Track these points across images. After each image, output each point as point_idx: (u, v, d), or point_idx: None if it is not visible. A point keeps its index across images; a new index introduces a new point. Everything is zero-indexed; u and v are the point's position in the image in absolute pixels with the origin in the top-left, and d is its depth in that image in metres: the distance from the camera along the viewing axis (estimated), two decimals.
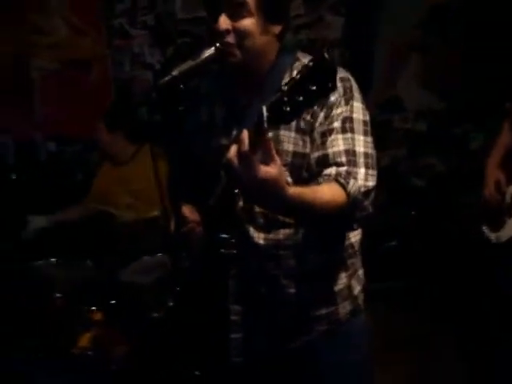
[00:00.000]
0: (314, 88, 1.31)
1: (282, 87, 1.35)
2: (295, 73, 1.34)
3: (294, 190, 1.52)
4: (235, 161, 1.41)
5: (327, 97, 1.39)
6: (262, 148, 1.40)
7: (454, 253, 4.07)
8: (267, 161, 1.40)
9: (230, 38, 1.71)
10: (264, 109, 1.35)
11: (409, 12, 4.45)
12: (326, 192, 1.62)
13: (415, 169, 4.73)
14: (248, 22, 1.70)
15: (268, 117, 1.34)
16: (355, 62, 4.28)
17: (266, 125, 1.34)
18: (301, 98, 1.32)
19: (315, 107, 1.71)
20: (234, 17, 1.70)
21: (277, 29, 1.76)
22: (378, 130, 1.79)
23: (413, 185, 4.74)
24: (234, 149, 1.43)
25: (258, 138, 1.38)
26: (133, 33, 4.86)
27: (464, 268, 3.92)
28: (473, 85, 4.34)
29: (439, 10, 4.41)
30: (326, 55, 1.32)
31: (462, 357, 3.59)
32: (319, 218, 1.67)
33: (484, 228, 3.09)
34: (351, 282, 1.93)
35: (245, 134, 1.40)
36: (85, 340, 2.89)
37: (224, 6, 1.70)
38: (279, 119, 1.36)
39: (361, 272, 2.00)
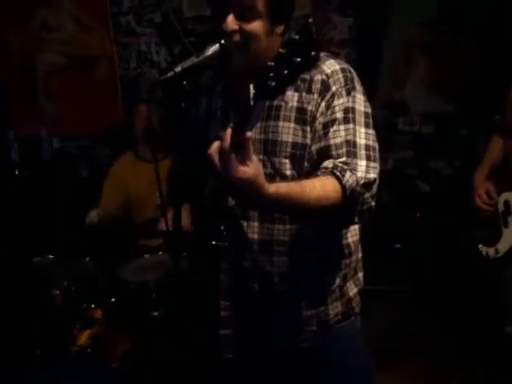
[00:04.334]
0: (299, 60, 1.35)
1: (269, 63, 1.38)
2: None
3: (275, 189, 1.52)
4: (216, 158, 1.43)
5: (310, 69, 1.45)
6: (241, 147, 1.41)
7: (458, 256, 4.04)
8: (245, 160, 1.41)
9: (236, 39, 1.70)
10: (251, 86, 1.37)
11: (417, 13, 4.42)
12: (317, 186, 1.60)
13: (421, 172, 4.71)
14: (256, 25, 1.70)
15: (254, 94, 1.36)
16: (362, 63, 4.26)
17: (252, 102, 1.36)
18: (285, 72, 1.36)
19: (316, 95, 1.71)
20: (242, 18, 1.69)
21: (280, 29, 1.76)
22: (383, 132, 1.78)
23: (418, 188, 4.72)
24: (215, 146, 1.44)
25: (238, 137, 1.39)
26: (139, 31, 4.87)
27: (468, 272, 3.90)
28: (481, 88, 4.31)
29: (449, 11, 4.38)
30: (311, 27, 1.35)
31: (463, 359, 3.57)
32: (312, 213, 1.65)
33: (480, 246, 3.07)
34: (346, 283, 1.91)
35: (228, 132, 1.41)
36: (84, 338, 2.88)
37: (232, 6, 1.69)
38: (265, 94, 1.38)
39: (360, 275, 1.97)
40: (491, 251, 3.02)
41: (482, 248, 3.06)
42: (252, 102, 1.37)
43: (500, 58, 4.16)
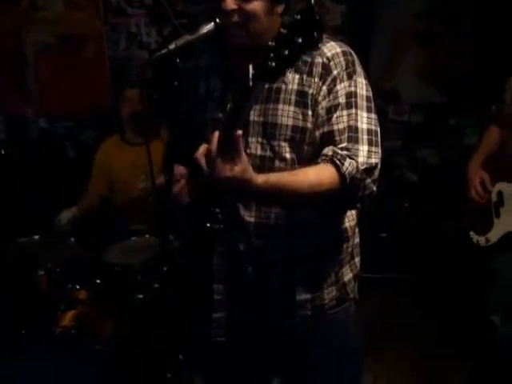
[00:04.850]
0: (300, 40, 1.33)
1: (269, 43, 1.36)
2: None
3: (265, 180, 1.54)
4: (202, 160, 1.48)
5: (311, 50, 1.42)
6: (231, 144, 1.43)
7: (444, 246, 4.06)
8: (234, 157, 1.44)
9: (235, 18, 1.68)
10: (250, 67, 1.36)
11: (411, 2, 4.41)
12: (311, 175, 1.61)
13: (409, 161, 4.72)
14: (255, 4, 1.67)
15: (253, 74, 1.36)
16: (354, 50, 4.23)
17: (251, 82, 1.36)
18: (286, 52, 1.34)
19: (317, 79, 1.70)
20: None
21: (280, 8, 1.73)
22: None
23: (406, 177, 4.73)
24: (202, 148, 1.49)
25: (229, 134, 1.41)
26: (130, 11, 4.81)
27: (455, 261, 3.92)
28: (471, 79, 4.32)
29: (443, 1, 4.37)
30: (313, 7, 1.32)
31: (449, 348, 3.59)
32: (306, 201, 1.66)
33: (471, 234, 3.08)
34: (342, 268, 1.90)
35: (215, 135, 1.45)
36: (68, 318, 2.85)
37: None
38: (265, 75, 1.37)
39: (357, 260, 1.97)
40: (482, 239, 3.02)
41: (473, 236, 3.07)
42: (251, 83, 1.36)
43: (492, 50, 4.15)
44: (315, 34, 1.33)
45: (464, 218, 3.15)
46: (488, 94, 3.13)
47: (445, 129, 4.62)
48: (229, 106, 1.42)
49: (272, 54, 1.35)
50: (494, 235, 2.98)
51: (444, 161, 4.63)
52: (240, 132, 1.42)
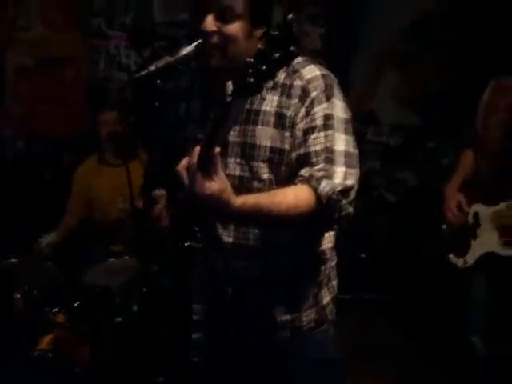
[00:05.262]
0: (277, 55, 1.36)
1: (247, 60, 1.38)
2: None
3: (243, 201, 1.54)
4: (184, 174, 1.50)
5: (288, 64, 1.48)
6: (209, 162, 1.44)
7: (423, 267, 4.08)
8: (212, 175, 1.45)
9: (215, 40, 1.69)
10: (229, 83, 1.38)
11: (388, 25, 4.47)
12: (289, 196, 1.61)
13: (388, 183, 4.75)
14: (235, 27, 1.68)
15: (232, 90, 1.38)
16: (333, 73, 4.27)
17: (229, 98, 1.38)
18: (264, 68, 1.37)
19: (296, 101, 1.71)
20: (222, 19, 1.68)
21: (259, 32, 1.74)
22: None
23: (385, 198, 4.76)
24: (183, 162, 1.51)
25: (208, 150, 1.43)
26: (110, 34, 4.82)
27: (434, 282, 3.94)
28: (449, 102, 4.37)
29: (419, 22, 4.44)
30: (290, 23, 1.35)
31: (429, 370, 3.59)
32: (283, 223, 1.66)
33: (450, 256, 3.10)
34: (321, 290, 1.90)
35: (196, 149, 1.46)
36: (45, 342, 2.81)
37: (212, 7, 1.68)
38: (243, 91, 1.40)
39: (334, 282, 1.96)
40: (460, 261, 3.05)
41: (452, 258, 3.09)
42: (229, 99, 1.37)
43: (470, 72, 4.21)
44: (292, 49, 1.36)
45: (442, 240, 3.17)
46: (464, 115, 3.18)
47: (423, 151, 4.67)
48: (209, 123, 1.43)
49: (250, 70, 1.37)
50: (471, 257, 3.00)
51: (422, 182, 4.67)
52: (218, 149, 1.43)
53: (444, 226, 3.14)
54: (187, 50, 1.69)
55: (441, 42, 4.42)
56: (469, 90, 3.21)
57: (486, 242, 2.97)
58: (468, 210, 3.03)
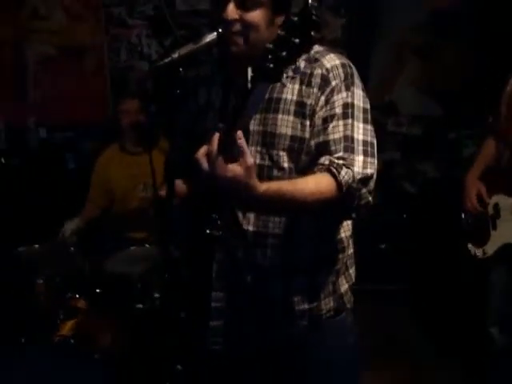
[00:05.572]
0: (297, 41, 1.36)
1: (267, 45, 1.39)
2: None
3: (267, 187, 1.54)
4: (203, 161, 1.48)
5: (308, 50, 1.46)
6: (233, 145, 1.43)
7: (443, 258, 4.07)
8: (238, 158, 1.44)
9: (236, 28, 1.69)
10: (249, 69, 1.39)
11: (409, 15, 4.44)
12: (310, 184, 1.61)
13: (408, 173, 4.73)
14: (256, 14, 1.69)
15: (252, 76, 1.38)
16: (353, 63, 4.26)
17: (249, 84, 1.38)
18: (284, 54, 1.37)
19: (316, 90, 1.71)
20: (243, 7, 1.68)
21: (280, 19, 1.74)
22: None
23: (405, 189, 4.74)
24: (203, 150, 1.49)
25: (230, 134, 1.42)
26: (131, 22, 4.84)
27: (453, 273, 3.92)
28: (470, 92, 4.34)
29: (441, 14, 4.40)
30: (310, 9, 1.35)
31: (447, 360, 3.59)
32: (306, 210, 1.67)
33: (469, 246, 3.09)
34: (338, 278, 1.90)
35: (216, 135, 1.46)
36: (67, 328, 2.84)
37: None
38: (263, 77, 1.40)
39: (352, 270, 1.96)
40: (479, 252, 3.03)
41: (471, 248, 3.07)
42: (250, 85, 1.37)
43: (492, 63, 4.18)
44: (312, 34, 1.36)
45: (461, 231, 3.16)
46: (486, 106, 3.15)
47: (444, 141, 4.64)
48: (229, 109, 1.44)
49: (270, 56, 1.37)
50: (491, 247, 2.99)
51: (443, 174, 4.65)
52: (240, 133, 1.43)
53: (463, 215, 3.12)
54: (210, 37, 1.68)
55: (463, 33, 4.39)
56: (491, 81, 3.19)
57: (507, 233, 2.95)
58: (488, 201, 3.01)
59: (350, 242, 1.94)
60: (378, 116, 4.51)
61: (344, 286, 1.93)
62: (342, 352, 1.96)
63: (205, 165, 1.48)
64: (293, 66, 1.71)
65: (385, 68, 4.62)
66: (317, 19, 1.35)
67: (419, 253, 4.31)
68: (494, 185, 3.00)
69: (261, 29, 1.70)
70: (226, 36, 1.69)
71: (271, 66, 1.37)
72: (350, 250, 1.95)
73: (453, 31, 4.42)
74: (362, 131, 1.71)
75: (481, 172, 3.07)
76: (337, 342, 1.94)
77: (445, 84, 4.52)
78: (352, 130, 1.69)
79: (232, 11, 1.68)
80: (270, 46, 1.37)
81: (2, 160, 4.36)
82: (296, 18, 1.36)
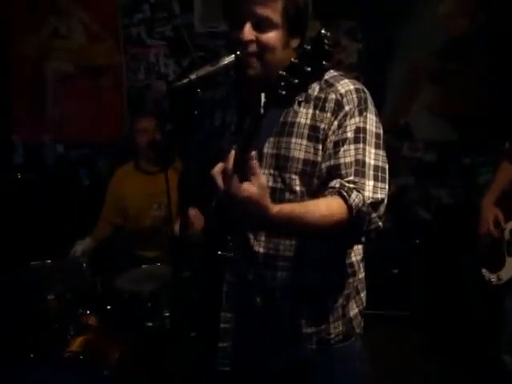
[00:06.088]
0: (309, 69, 1.39)
1: (280, 72, 1.41)
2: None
3: (279, 209, 1.54)
4: (219, 178, 1.49)
5: (320, 78, 1.51)
6: (246, 166, 1.45)
7: (456, 284, 4.04)
8: (250, 178, 1.45)
9: (252, 49, 1.71)
10: (262, 95, 1.41)
11: (425, 40, 4.45)
12: (322, 207, 1.61)
13: (422, 199, 4.71)
14: (272, 36, 1.71)
15: (265, 102, 1.41)
16: (369, 87, 4.27)
17: (262, 110, 1.41)
18: (296, 81, 1.40)
19: (329, 114, 1.73)
20: (259, 28, 1.71)
21: (296, 42, 1.77)
22: (387, 156, 1.78)
23: (419, 215, 4.72)
24: (218, 167, 1.50)
25: (244, 155, 1.44)
26: (149, 42, 4.90)
27: (466, 300, 3.89)
28: (486, 118, 4.33)
29: (456, 39, 4.42)
30: (323, 38, 1.38)
31: None
32: (316, 234, 1.66)
33: (483, 271, 3.06)
34: (348, 302, 1.90)
35: (232, 153, 1.47)
36: (77, 343, 2.84)
37: (250, 16, 1.70)
38: (275, 103, 1.42)
39: (362, 294, 1.96)
40: (494, 277, 3.01)
41: (485, 273, 3.05)
42: (262, 110, 1.39)
43: (507, 88, 4.17)
44: (324, 63, 1.39)
45: (476, 256, 3.13)
46: (502, 132, 3.15)
47: (458, 167, 4.63)
48: (243, 133, 1.46)
49: (283, 83, 1.40)
50: (506, 274, 2.97)
51: (457, 200, 4.62)
52: (254, 153, 1.44)
53: (479, 240, 3.10)
54: (228, 59, 1.70)
55: (478, 58, 4.39)
56: (506, 106, 3.19)
57: None
58: (504, 226, 3.00)
59: (361, 266, 1.94)
60: (393, 140, 4.51)
61: (354, 311, 1.92)
62: (350, 377, 1.94)
63: (220, 182, 1.49)
64: (304, 93, 1.73)
65: (400, 92, 4.63)
66: (329, 49, 1.38)
67: (432, 279, 4.28)
68: (510, 210, 2.98)
69: (276, 50, 1.72)
70: (243, 59, 1.71)
71: (283, 92, 1.40)
72: (361, 274, 1.95)
73: (468, 56, 4.43)
74: (373, 156, 1.71)
75: (496, 197, 3.06)
76: (345, 368, 1.93)
77: (460, 109, 4.52)
78: (363, 155, 1.69)
79: (249, 32, 1.70)
80: (283, 73, 1.40)
81: (19, 175, 4.41)
82: (309, 47, 1.39)
